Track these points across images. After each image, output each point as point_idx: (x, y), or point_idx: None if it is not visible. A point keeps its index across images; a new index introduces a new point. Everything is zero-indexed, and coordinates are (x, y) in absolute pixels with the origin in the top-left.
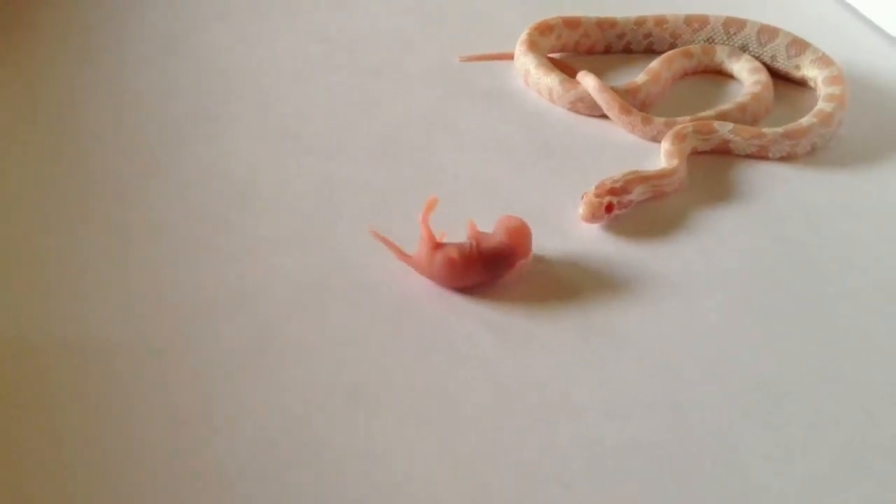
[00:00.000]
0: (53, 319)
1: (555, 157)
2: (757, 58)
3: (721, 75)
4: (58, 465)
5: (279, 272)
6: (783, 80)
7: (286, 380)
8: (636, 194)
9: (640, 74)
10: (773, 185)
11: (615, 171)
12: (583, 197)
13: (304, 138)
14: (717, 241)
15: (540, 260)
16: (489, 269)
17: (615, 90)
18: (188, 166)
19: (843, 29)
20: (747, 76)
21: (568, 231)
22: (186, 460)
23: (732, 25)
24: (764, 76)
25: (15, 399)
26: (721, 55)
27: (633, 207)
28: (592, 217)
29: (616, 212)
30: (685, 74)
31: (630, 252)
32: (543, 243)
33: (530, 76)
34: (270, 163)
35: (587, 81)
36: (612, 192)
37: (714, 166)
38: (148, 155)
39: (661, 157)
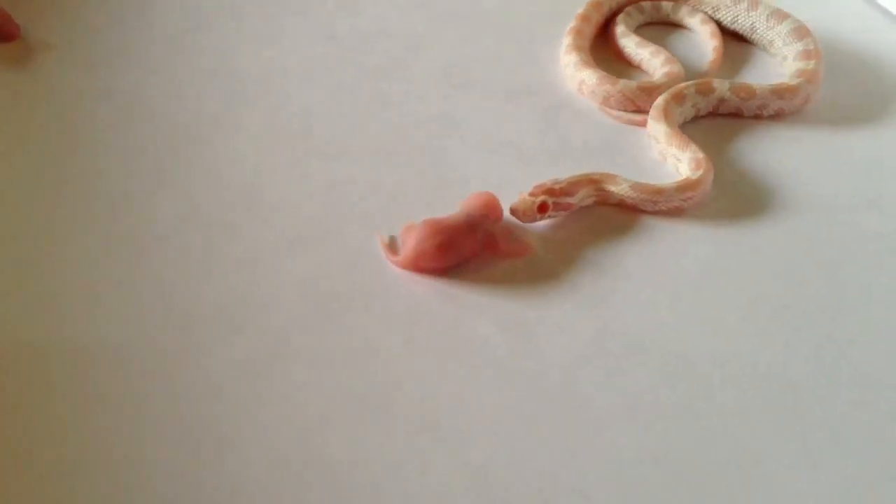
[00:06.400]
0: (60, 327)
1: (565, 158)
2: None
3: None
4: (64, 474)
5: (288, 278)
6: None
7: (297, 389)
8: (578, 198)
9: (659, 74)
10: (780, 166)
11: (622, 172)
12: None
13: (311, 140)
14: (730, 236)
15: (553, 261)
16: (473, 228)
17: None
18: (195, 171)
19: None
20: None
21: (579, 231)
22: (196, 471)
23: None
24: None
25: (23, 406)
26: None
27: (572, 210)
28: (523, 215)
29: (551, 213)
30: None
31: (644, 250)
32: (554, 243)
33: (568, 70)
34: (278, 166)
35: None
36: (550, 192)
37: (712, 137)
38: (155, 160)
39: (649, 128)
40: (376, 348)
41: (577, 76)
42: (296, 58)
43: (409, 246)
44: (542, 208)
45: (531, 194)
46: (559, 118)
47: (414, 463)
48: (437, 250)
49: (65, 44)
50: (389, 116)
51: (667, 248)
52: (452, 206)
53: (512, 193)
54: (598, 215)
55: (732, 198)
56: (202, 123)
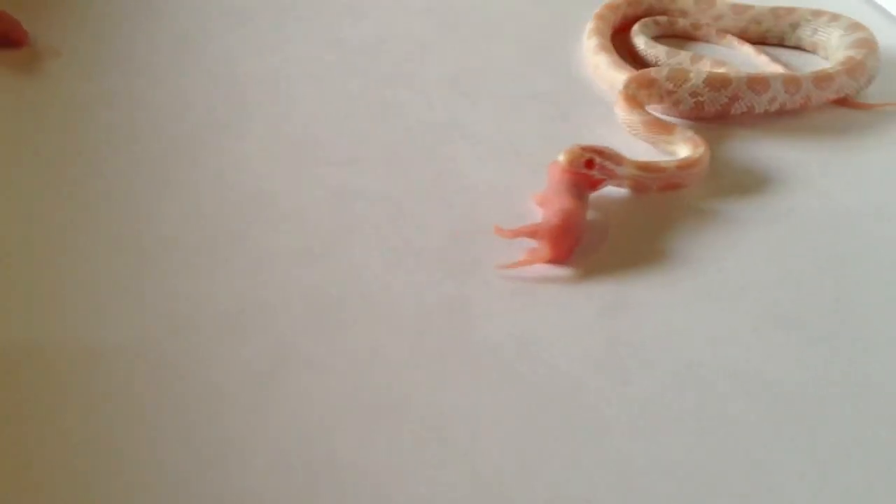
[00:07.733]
0: (64, 332)
1: None
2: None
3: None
4: (66, 478)
5: (295, 285)
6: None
7: (303, 397)
8: (622, 171)
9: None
10: (785, 170)
11: None
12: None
13: (318, 147)
14: (740, 243)
15: (565, 268)
16: (582, 200)
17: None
18: (201, 177)
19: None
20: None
21: (590, 237)
22: (200, 477)
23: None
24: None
25: (25, 408)
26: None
27: (613, 183)
28: (570, 164)
29: (594, 172)
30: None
31: (655, 256)
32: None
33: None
34: (285, 173)
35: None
36: (600, 153)
37: (715, 141)
38: (161, 166)
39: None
40: (383, 355)
41: (592, 59)
42: (302, 64)
43: (557, 243)
44: (589, 164)
45: (583, 148)
46: (569, 124)
47: (421, 471)
48: (577, 238)
49: (71, 50)
50: (396, 123)
51: (677, 256)
52: (461, 212)
53: (523, 199)
54: (609, 220)
55: (742, 204)
56: (208, 129)
